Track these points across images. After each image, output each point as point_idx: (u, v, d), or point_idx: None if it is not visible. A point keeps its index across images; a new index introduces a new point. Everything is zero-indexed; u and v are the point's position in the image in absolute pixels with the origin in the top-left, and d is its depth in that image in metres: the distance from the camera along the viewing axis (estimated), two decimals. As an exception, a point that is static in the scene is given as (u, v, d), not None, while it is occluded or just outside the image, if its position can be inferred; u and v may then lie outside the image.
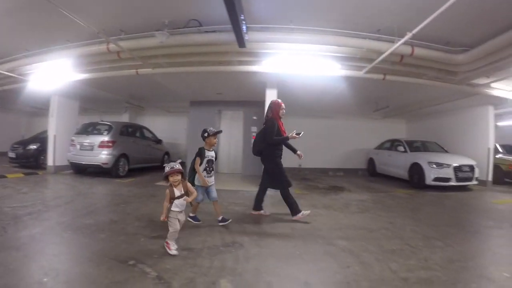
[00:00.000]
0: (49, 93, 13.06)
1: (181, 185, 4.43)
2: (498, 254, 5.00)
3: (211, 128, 5.92)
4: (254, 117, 14.86)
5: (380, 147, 16.76)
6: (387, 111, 16.82)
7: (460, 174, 11.74)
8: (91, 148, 11.93)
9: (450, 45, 8.03)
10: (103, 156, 11.76)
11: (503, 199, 10.44)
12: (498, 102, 12.97)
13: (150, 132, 16.05)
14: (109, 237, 4.98)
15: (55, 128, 13.26)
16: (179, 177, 4.37)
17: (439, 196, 10.49)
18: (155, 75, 10.24)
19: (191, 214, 5.98)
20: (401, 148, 14.24)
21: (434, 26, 6.19)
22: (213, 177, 5.99)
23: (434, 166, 11.82)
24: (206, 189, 5.90)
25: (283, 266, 4.09)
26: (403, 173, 13.42)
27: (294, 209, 6.57)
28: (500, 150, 15.62)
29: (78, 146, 12.11)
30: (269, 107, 6.81)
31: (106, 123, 12.99)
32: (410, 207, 8.60)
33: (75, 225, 5.55)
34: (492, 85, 10.73)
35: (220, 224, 5.89)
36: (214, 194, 5.96)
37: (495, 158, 14.02)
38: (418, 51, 7.85)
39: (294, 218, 6.53)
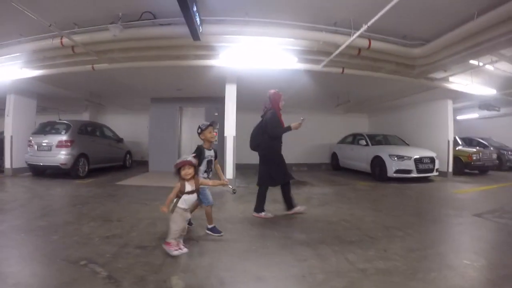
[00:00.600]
0: (4, 91, 12.46)
1: (193, 180, 4.18)
2: (457, 241, 5.12)
3: (204, 122, 5.18)
4: (216, 113, 14.61)
5: (343, 141, 16.92)
6: (349, 106, 16.98)
7: (421, 166, 11.99)
8: (49, 148, 11.48)
9: (407, 38, 8.09)
10: (62, 156, 11.33)
11: (463, 188, 10.74)
12: (456, 96, 13.41)
13: (111, 130, 15.61)
14: (62, 238, 4.75)
15: (12, 129, 12.64)
16: (191, 170, 4.12)
17: (400, 188, 10.63)
18: (112, 71, 9.91)
19: (209, 226, 5.13)
20: (363, 142, 14.44)
21: (390, 19, 6.19)
22: None
23: (395, 158, 12.03)
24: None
25: (238, 261, 3.99)
26: (366, 166, 13.56)
27: (259, 207, 6.36)
28: (460, 142, 16.32)
29: (35, 147, 11.62)
30: (268, 97, 6.55)
31: (64, 122, 12.51)
32: (371, 199, 8.68)
33: (29, 228, 5.28)
34: (450, 79, 10.98)
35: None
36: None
37: (455, 150, 14.54)
38: (375, 44, 7.86)
39: (255, 215, 6.35)
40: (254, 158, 6.98)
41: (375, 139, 14.67)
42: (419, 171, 11.94)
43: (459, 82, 11.34)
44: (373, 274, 3.60)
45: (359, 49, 8.07)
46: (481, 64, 9.30)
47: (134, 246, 4.26)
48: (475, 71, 10.31)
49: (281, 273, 3.66)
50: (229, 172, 10.47)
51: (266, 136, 6.31)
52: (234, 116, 10.67)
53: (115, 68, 9.33)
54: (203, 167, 4.95)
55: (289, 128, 6.24)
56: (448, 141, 13.97)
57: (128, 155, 16.74)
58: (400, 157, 12.01)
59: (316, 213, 6.84)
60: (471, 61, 9.16)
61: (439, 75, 10.49)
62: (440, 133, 14.40)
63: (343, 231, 5.42)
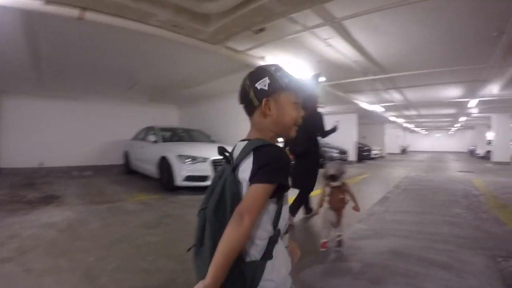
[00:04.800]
0: None
1: None
2: None
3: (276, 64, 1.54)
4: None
5: (136, 137, 12.78)
6: (154, 94, 13.69)
7: None
8: None
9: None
10: None
11: None
12: None
13: None
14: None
15: None
16: None
17: (189, 204, 7.44)
18: None
19: None
20: (152, 138, 10.60)
21: None
22: None
23: (187, 160, 8.56)
24: None
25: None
26: (154, 170, 9.76)
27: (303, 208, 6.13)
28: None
29: None
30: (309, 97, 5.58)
31: None
32: (124, 233, 5.14)
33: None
34: (263, 53, 8.15)
35: None
36: None
37: None
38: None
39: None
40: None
41: (171, 135, 11.32)
42: (217, 177, 8.62)
43: (278, 61, 8.22)
44: None
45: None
46: (305, 27, 6.35)
47: None
48: (301, 47, 7.66)
49: None
50: None
51: (313, 139, 5.74)
52: None
53: None
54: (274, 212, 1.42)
55: (334, 130, 5.94)
56: (264, 138, 11.20)
57: None
58: (193, 159, 8.59)
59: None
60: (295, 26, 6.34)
61: (246, 43, 7.34)
62: (252, 128, 11.59)
63: None
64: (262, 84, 1.45)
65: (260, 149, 1.37)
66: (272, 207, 1.38)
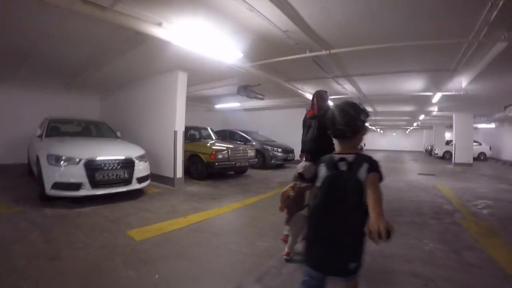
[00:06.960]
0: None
1: None
2: None
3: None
4: None
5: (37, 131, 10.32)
6: (48, 73, 10.94)
7: (101, 175, 6.63)
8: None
9: None
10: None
11: (158, 222, 5.73)
12: (192, 65, 8.77)
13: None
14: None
15: None
16: None
17: (43, 223, 5.34)
18: None
19: None
20: (38, 131, 8.54)
21: None
22: None
23: (60, 162, 6.38)
24: None
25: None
26: (36, 172, 7.47)
27: None
28: (213, 136, 13.09)
29: None
30: (322, 97, 5.36)
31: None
32: None
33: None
34: (158, 18, 5.97)
35: None
36: None
37: (189, 144, 10.58)
38: None
39: None
40: None
41: (65, 128, 9.21)
42: (95, 184, 6.51)
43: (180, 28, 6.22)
44: None
45: None
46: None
47: None
48: (204, 7, 5.44)
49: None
50: None
51: (327, 141, 4.91)
52: None
53: None
54: None
55: None
56: (175, 132, 9.26)
57: None
58: (66, 160, 6.41)
59: None
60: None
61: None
62: (168, 118, 9.69)
63: None
64: (363, 116, 2.40)
65: (370, 160, 2.33)
66: None
